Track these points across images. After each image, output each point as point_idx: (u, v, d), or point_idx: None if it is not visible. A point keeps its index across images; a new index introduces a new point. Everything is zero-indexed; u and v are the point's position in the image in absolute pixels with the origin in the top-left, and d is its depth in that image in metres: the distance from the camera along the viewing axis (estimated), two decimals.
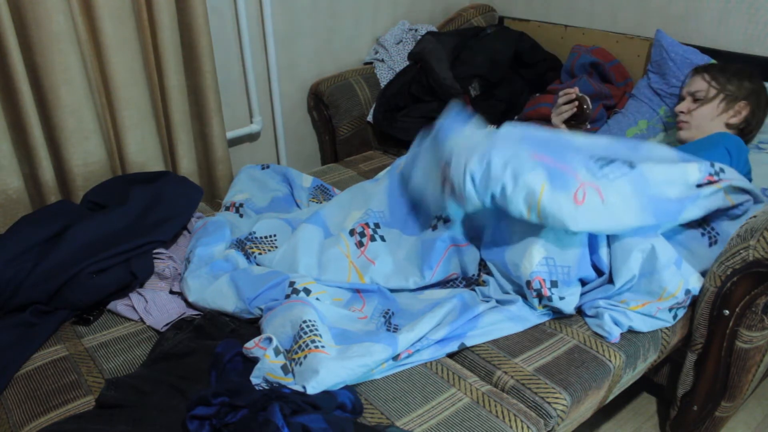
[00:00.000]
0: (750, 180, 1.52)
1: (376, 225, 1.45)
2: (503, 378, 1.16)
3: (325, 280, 1.35)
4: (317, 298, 1.25)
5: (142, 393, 1.03)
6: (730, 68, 1.60)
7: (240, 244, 1.48)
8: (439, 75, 2.10)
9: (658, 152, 1.35)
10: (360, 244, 1.42)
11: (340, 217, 1.51)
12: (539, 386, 1.13)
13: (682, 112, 1.62)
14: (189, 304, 1.33)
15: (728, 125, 1.58)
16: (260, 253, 1.44)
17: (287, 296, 1.24)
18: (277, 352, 1.08)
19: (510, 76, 2.22)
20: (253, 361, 1.08)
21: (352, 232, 1.44)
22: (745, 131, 1.59)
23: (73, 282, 1.27)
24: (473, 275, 1.39)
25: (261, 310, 1.24)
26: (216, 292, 1.29)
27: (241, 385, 0.99)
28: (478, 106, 2.14)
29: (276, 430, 0.89)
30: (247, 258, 1.44)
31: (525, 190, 1.17)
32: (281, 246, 1.44)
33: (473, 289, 1.36)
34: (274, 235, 1.50)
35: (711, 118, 1.57)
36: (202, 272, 1.34)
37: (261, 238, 1.49)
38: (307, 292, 1.25)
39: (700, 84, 1.59)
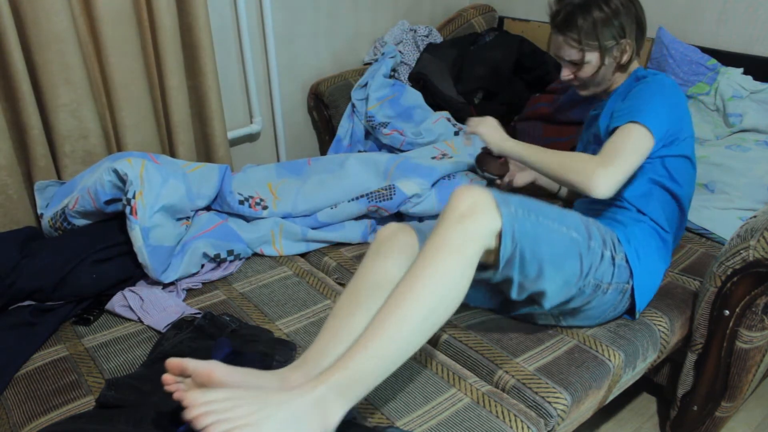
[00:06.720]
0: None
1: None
2: (504, 378, 1.16)
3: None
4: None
5: (142, 393, 1.03)
6: (580, 13, 1.33)
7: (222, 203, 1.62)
8: (445, 94, 2.11)
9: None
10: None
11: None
12: (539, 386, 1.13)
13: (570, 78, 1.42)
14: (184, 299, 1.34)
15: (622, 66, 1.38)
16: (267, 204, 1.63)
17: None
18: None
19: (512, 80, 2.22)
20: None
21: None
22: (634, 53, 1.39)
23: (77, 270, 1.28)
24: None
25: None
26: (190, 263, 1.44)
27: None
28: (481, 110, 2.14)
29: None
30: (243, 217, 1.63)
31: None
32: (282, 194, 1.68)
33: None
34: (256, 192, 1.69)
35: (602, 71, 1.38)
36: (176, 261, 1.43)
37: (248, 196, 1.65)
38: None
39: (569, 52, 1.37)
